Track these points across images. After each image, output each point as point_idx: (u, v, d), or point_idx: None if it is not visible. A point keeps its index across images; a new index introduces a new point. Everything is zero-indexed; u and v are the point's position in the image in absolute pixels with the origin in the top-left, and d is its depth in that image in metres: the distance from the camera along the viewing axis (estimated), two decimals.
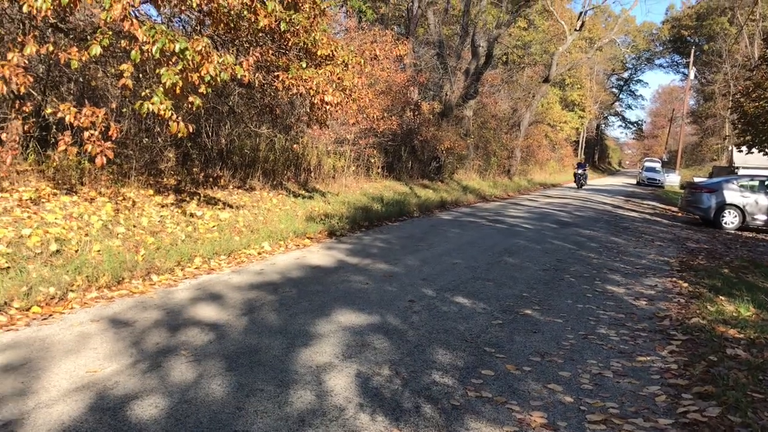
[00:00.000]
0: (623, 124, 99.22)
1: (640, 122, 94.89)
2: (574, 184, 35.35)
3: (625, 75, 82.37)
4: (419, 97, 23.31)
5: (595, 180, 51.31)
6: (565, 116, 51.04)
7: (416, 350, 4.59)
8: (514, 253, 9.42)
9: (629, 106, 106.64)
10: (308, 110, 10.80)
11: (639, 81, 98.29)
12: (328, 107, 9.42)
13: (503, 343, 4.94)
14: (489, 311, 5.87)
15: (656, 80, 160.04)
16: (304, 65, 9.25)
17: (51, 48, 6.65)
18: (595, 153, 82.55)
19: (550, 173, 43.68)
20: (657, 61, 76.80)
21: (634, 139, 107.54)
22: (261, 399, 3.55)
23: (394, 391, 3.79)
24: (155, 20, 8.55)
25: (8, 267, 5.54)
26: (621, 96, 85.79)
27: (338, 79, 9.32)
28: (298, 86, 9.02)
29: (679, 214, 19.94)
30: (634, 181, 51.00)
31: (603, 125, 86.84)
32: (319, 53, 9.24)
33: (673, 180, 44.91)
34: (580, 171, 33.97)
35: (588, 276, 7.97)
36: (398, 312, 5.62)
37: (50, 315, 4.91)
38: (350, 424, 3.32)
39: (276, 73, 9.20)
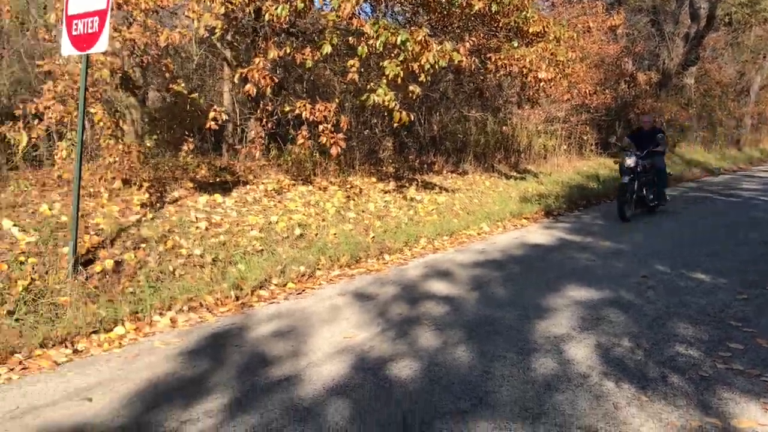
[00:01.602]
0: None
1: None
2: None
3: None
4: (634, 67, 22.03)
5: None
6: None
7: (655, 323, 4.47)
8: (754, 226, 8.66)
9: None
10: (519, 90, 10.77)
11: None
12: (541, 84, 9.33)
13: (750, 317, 4.64)
14: (731, 287, 5.51)
15: None
16: (515, 44, 9.24)
17: (288, 50, 7.35)
18: None
19: None
20: None
21: None
22: (505, 365, 3.70)
23: (637, 362, 3.75)
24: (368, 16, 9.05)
25: (262, 249, 6.27)
26: None
27: (551, 55, 9.18)
28: (510, 65, 9.04)
29: None
30: None
31: None
32: (530, 31, 9.18)
33: None
34: (630, 161, 9.02)
35: None
36: (630, 287, 5.48)
37: (303, 290, 5.49)
38: (596, 390, 3.35)
39: (488, 55, 9.30)
